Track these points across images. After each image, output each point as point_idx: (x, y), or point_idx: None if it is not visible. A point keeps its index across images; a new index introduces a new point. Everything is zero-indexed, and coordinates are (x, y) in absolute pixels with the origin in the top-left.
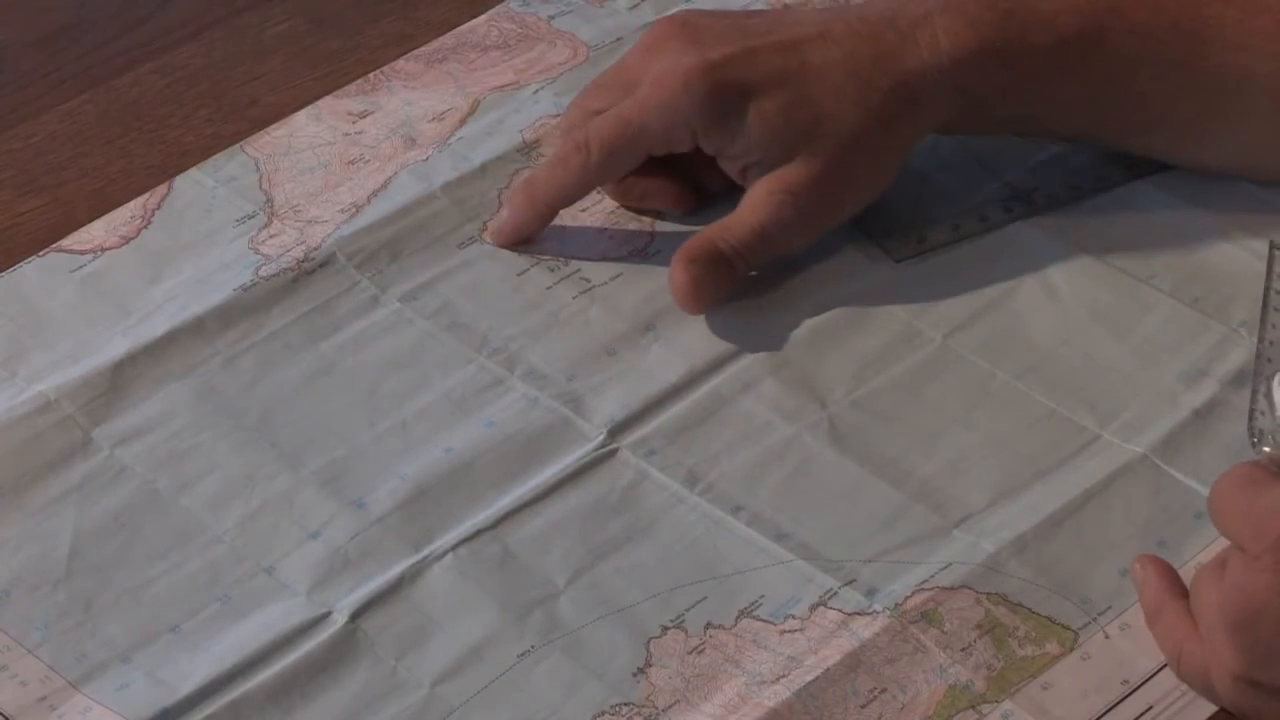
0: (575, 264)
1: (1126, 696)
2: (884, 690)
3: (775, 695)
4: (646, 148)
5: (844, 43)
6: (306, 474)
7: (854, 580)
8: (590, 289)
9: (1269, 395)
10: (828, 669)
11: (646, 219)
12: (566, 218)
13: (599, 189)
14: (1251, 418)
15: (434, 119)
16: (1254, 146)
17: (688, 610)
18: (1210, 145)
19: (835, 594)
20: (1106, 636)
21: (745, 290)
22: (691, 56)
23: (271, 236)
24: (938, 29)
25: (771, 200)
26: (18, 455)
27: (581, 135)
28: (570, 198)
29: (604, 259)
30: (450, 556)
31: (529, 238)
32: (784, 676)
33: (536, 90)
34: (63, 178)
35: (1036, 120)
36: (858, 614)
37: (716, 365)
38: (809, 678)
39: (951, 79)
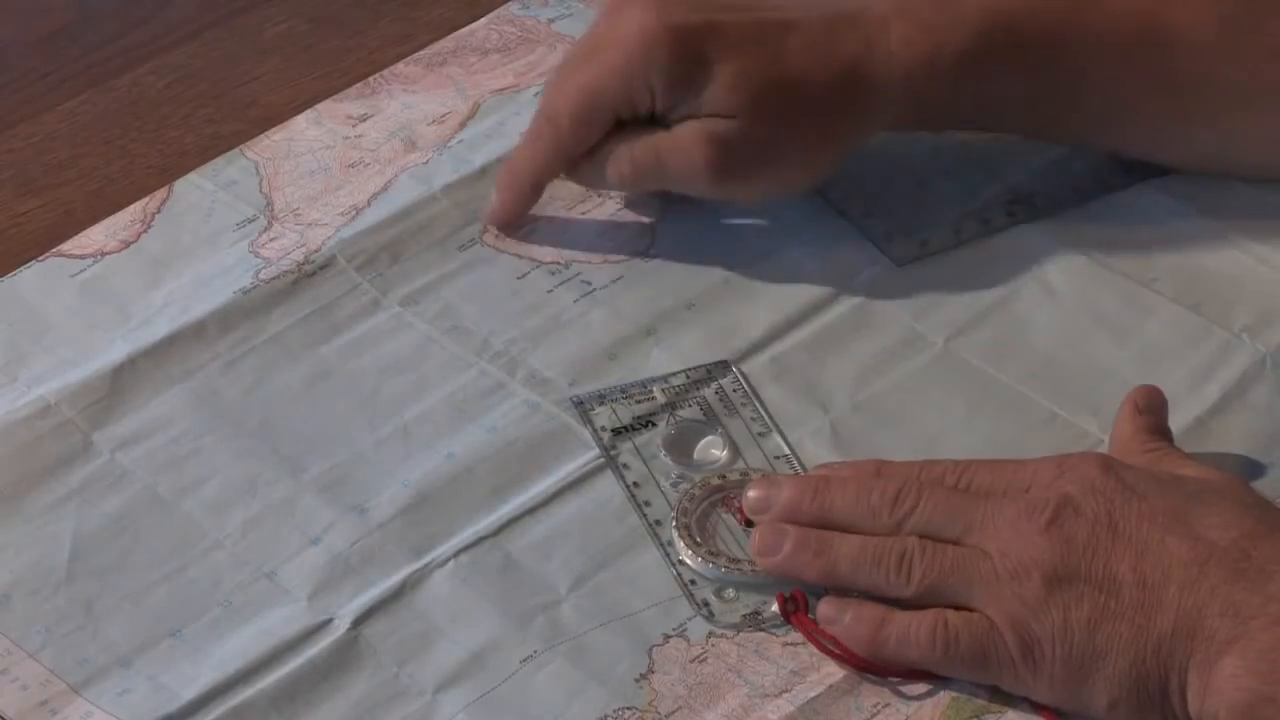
0: (576, 266)
1: None
2: (887, 705)
3: (778, 709)
4: (611, 111)
5: (808, 32)
6: (307, 479)
7: None
8: (591, 292)
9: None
10: (831, 685)
11: (647, 220)
12: (568, 220)
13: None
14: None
15: (434, 122)
16: (1227, 146)
17: (689, 619)
18: (1180, 146)
19: None
20: None
21: (746, 297)
22: (650, 17)
23: (272, 240)
24: (893, 35)
25: (694, 139)
26: (18, 459)
27: (549, 109)
28: (550, 171)
29: (605, 261)
30: (452, 563)
31: (518, 217)
32: (787, 691)
33: (536, 93)
34: (62, 178)
35: (991, 120)
36: None
37: (717, 371)
38: (812, 693)
39: (906, 87)
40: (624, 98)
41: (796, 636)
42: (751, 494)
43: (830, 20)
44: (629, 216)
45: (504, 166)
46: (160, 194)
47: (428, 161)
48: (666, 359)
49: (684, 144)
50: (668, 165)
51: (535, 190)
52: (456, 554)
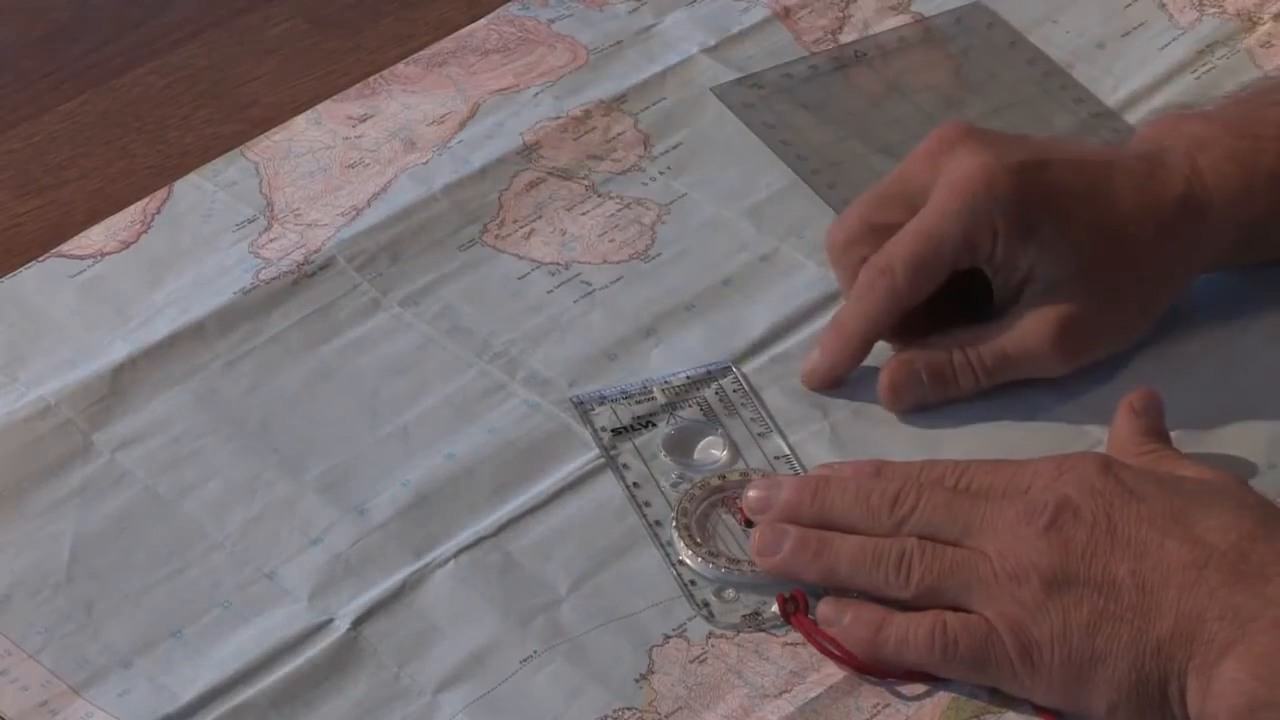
0: (576, 267)
1: None
2: (887, 705)
3: (778, 710)
4: (952, 260)
5: (1131, 172)
6: (308, 480)
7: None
8: (591, 292)
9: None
10: (831, 686)
11: (647, 220)
12: (567, 221)
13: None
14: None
15: (434, 122)
16: None
17: (689, 619)
18: None
19: None
20: None
21: (746, 297)
22: (989, 156)
23: (272, 240)
24: (1205, 167)
25: (1040, 329)
26: (18, 460)
27: (883, 260)
28: (882, 327)
29: (605, 262)
30: (452, 564)
31: (844, 376)
32: (787, 691)
33: (536, 93)
34: (63, 178)
35: None
36: None
37: (717, 372)
38: (812, 694)
39: (1230, 215)
40: (965, 244)
41: (796, 637)
42: (752, 494)
43: (1143, 158)
44: (629, 216)
45: (831, 324)
46: (160, 194)
47: (428, 162)
48: (666, 359)
49: (1029, 339)
50: (1018, 364)
51: (865, 346)
52: (456, 554)
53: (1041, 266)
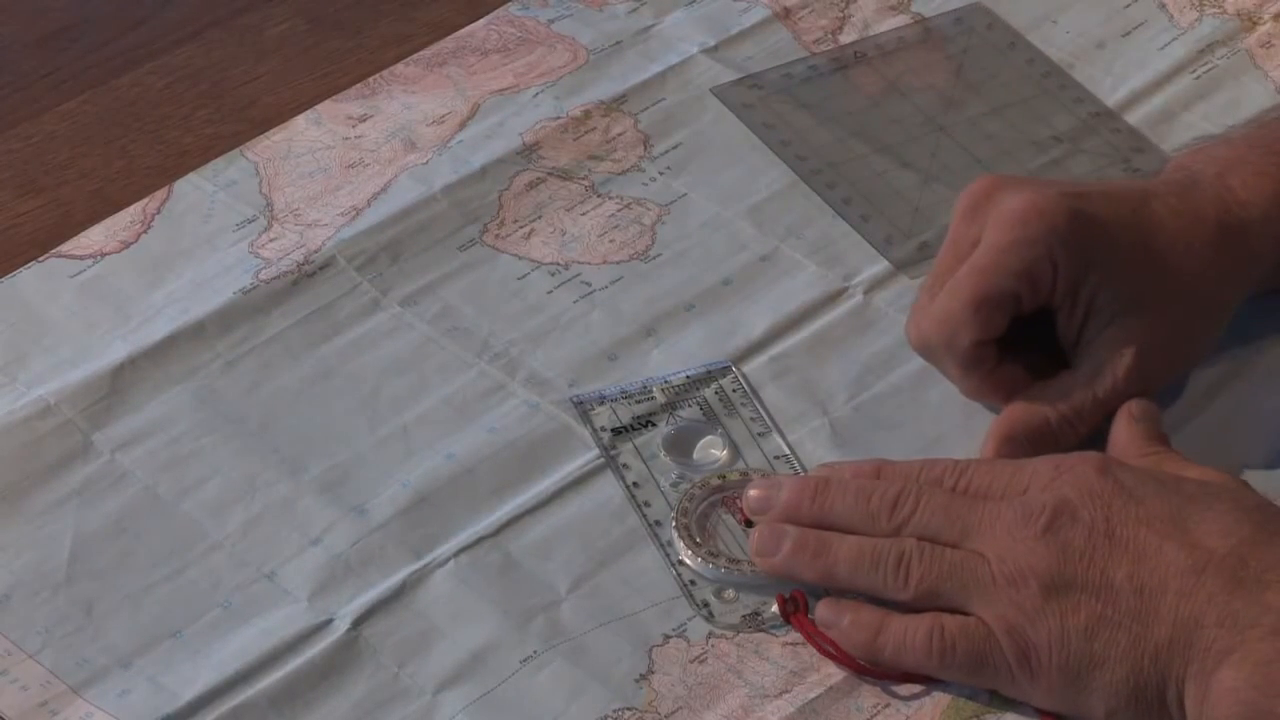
0: (576, 267)
1: None
2: (887, 705)
3: (779, 710)
4: (1014, 292)
5: (1165, 199)
6: (307, 480)
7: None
8: (591, 293)
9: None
10: (831, 686)
11: (647, 220)
12: (567, 221)
13: None
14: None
15: (434, 122)
16: None
17: (689, 619)
18: None
19: None
20: None
21: (746, 297)
22: (1031, 191)
23: (272, 240)
24: (1234, 187)
25: (1120, 365)
26: (18, 459)
27: (940, 310)
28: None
29: (605, 262)
30: (452, 563)
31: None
32: (787, 691)
33: (536, 94)
34: (62, 178)
35: None
36: None
37: (717, 372)
38: (812, 694)
39: (1267, 229)
40: (1025, 275)
41: (796, 637)
42: (752, 493)
43: (1175, 185)
44: (629, 217)
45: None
46: (160, 194)
47: (427, 162)
48: (666, 359)
49: (1114, 378)
50: (1109, 405)
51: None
52: (456, 554)
53: (1102, 297)
